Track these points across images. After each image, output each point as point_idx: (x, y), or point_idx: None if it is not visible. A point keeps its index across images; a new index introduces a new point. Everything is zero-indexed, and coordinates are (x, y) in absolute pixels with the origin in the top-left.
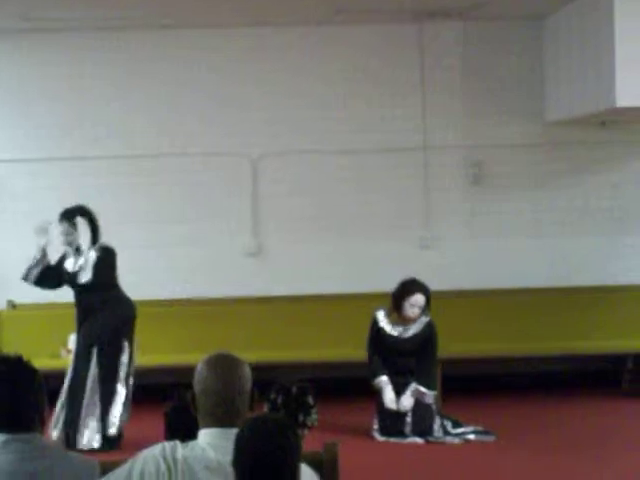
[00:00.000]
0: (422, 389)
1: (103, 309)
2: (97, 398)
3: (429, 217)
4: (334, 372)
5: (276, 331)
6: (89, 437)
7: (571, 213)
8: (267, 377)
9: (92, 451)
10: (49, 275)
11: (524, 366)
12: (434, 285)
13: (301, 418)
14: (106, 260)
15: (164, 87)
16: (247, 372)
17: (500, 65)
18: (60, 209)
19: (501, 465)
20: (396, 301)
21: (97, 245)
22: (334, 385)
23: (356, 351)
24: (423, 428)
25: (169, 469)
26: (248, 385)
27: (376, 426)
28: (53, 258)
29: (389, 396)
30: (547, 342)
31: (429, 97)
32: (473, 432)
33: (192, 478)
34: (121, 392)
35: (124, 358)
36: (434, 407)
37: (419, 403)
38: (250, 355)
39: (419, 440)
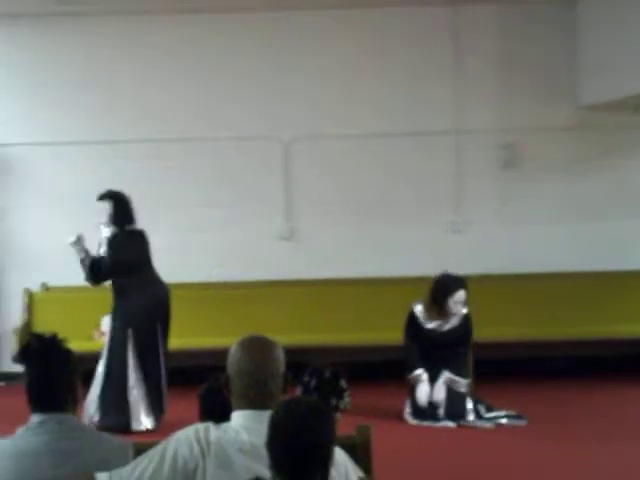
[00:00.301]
0: (455, 377)
1: (135, 291)
2: (141, 381)
3: (460, 201)
4: (367, 355)
5: (309, 314)
6: (141, 419)
7: (604, 197)
8: (300, 360)
9: (142, 433)
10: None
11: (555, 351)
12: (464, 269)
13: (334, 402)
14: (115, 241)
15: (197, 71)
16: (280, 354)
17: (534, 48)
18: (96, 192)
19: (532, 450)
20: (437, 298)
21: (117, 228)
22: (367, 368)
23: (388, 334)
24: (456, 412)
25: (202, 451)
26: (281, 368)
27: (409, 409)
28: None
29: (423, 390)
30: (579, 327)
31: (462, 81)
32: (505, 416)
33: (225, 460)
34: (160, 374)
35: (158, 340)
36: (467, 392)
37: (452, 389)
38: (283, 338)
39: (451, 424)
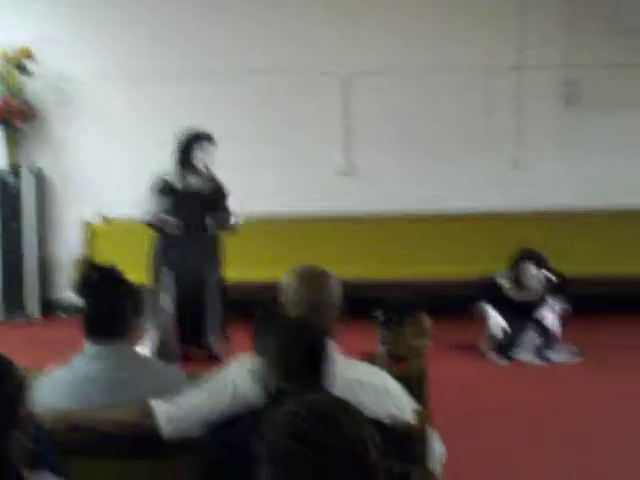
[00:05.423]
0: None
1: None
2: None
3: (522, 138)
4: (427, 290)
5: (366, 249)
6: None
7: None
8: (357, 295)
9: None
10: None
11: (614, 286)
12: (525, 205)
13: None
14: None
15: (257, 5)
16: (336, 285)
17: None
18: (155, 125)
19: (587, 386)
20: (512, 272)
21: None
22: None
23: (445, 269)
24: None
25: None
26: (337, 298)
27: (486, 344)
28: None
29: (496, 320)
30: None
31: (524, 15)
32: (564, 352)
33: None
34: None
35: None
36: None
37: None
38: (340, 271)
39: (504, 362)
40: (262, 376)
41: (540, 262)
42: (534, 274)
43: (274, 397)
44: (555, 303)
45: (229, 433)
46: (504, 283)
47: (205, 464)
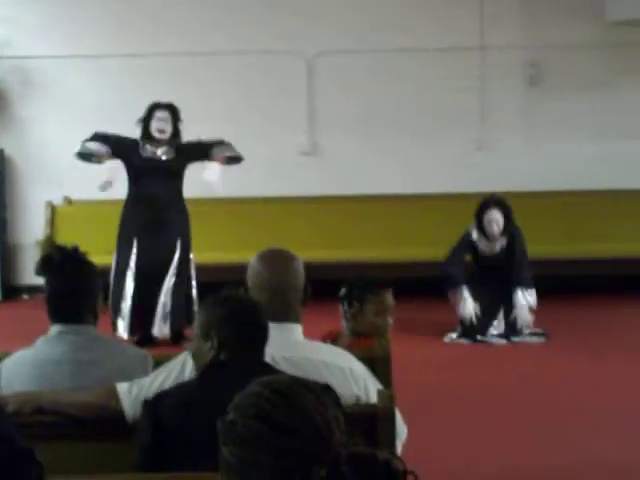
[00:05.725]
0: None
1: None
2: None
3: (485, 118)
4: (390, 271)
5: (328, 230)
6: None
7: (630, 116)
8: (321, 276)
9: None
10: None
11: (578, 268)
12: (488, 187)
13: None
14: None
15: None
16: (300, 267)
17: None
18: (118, 106)
19: (550, 366)
20: (477, 220)
21: None
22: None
23: (409, 251)
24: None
25: None
26: (301, 280)
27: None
28: None
29: (470, 304)
30: (603, 244)
31: None
32: (527, 334)
33: None
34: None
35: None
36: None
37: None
38: (303, 254)
39: (466, 342)
40: (196, 350)
41: (504, 208)
42: (496, 218)
43: (207, 371)
44: (528, 297)
45: (161, 411)
46: (473, 234)
47: (143, 442)
